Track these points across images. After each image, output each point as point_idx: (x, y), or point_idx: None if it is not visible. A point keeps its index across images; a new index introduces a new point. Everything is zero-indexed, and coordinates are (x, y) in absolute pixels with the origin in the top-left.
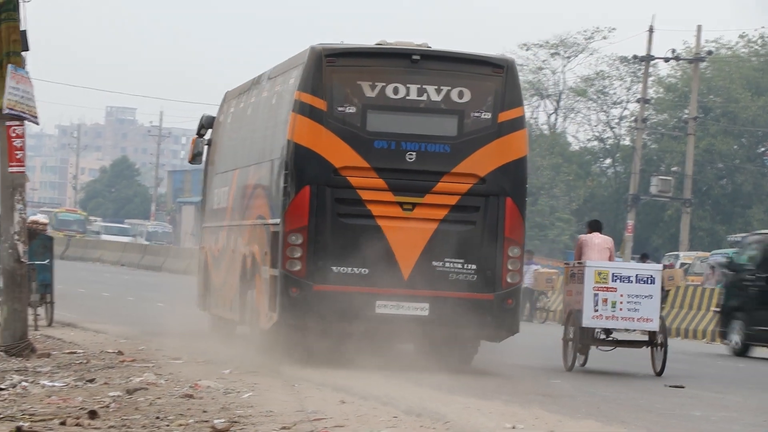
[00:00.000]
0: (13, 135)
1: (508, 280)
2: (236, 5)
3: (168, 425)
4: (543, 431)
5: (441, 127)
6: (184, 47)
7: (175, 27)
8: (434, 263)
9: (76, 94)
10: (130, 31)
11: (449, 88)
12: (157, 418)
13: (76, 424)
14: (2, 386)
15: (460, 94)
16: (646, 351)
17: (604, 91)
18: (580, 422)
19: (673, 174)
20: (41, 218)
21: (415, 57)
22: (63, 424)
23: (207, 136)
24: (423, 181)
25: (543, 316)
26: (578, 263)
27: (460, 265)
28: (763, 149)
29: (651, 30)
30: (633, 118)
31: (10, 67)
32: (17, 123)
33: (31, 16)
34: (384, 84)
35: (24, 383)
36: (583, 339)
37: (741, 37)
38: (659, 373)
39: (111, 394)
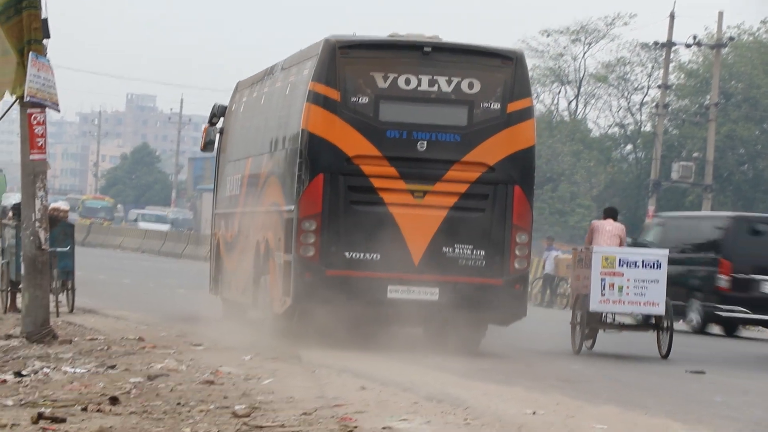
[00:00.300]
0: (35, 122)
1: (516, 265)
2: None
3: (189, 411)
4: (563, 417)
5: (451, 117)
6: (204, 34)
7: (196, 14)
8: (444, 249)
9: (97, 81)
10: (150, 19)
11: (459, 79)
12: (178, 404)
13: (98, 410)
14: (24, 372)
15: (470, 85)
16: (651, 335)
17: (625, 77)
18: (601, 408)
19: (694, 160)
20: (62, 205)
21: (426, 49)
22: (84, 410)
23: (219, 125)
24: (434, 170)
25: (563, 302)
26: (586, 248)
27: (469, 251)
28: None
29: (672, 16)
30: (654, 104)
31: (31, 54)
32: (38, 110)
33: (51, 3)
34: (396, 75)
35: (46, 369)
36: (590, 323)
37: (763, 22)
38: (665, 356)
39: (132, 380)
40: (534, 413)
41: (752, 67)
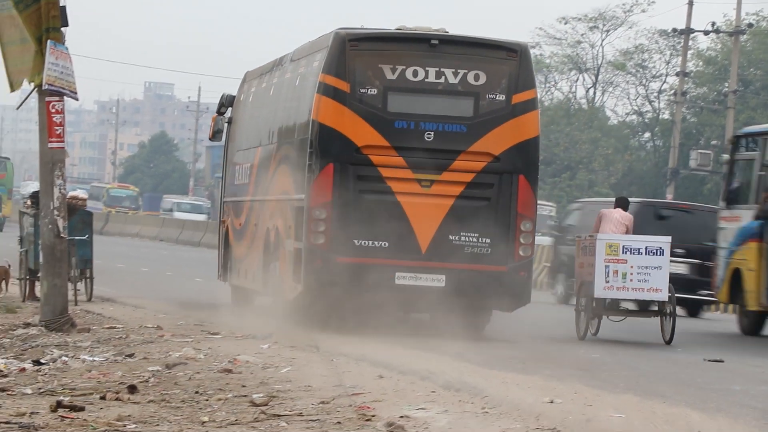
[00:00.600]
0: (53, 111)
1: (521, 253)
2: None
3: (207, 400)
4: (581, 405)
5: (458, 108)
6: (222, 23)
7: (215, 3)
8: (451, 237)
9: (115, 69)
10: (168, 7)
11: (466, 71)
12: (197, 392)
13: (116, 399)
14: (43, 361)
15: (476, 77)
16: (654, 320)
17: (643, 64)
18: (619, 396)
19: (713, 148)
20: (81, 193)
21: (433, 41)
22: (103, 398)
23: (227, 114)
24: (440, 159)
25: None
26: (589, 236)
27: (475, 239)
28: None
29: (691, 3)
30: (672, 92)
31: (49, 42)
32: (57, 99)
33: None
34: (404, 67)
35: (64, 358)
36: (594, 309)
37: None
38: (668, 342)
39: (150, 368)
40: (552, 402)
41: None
